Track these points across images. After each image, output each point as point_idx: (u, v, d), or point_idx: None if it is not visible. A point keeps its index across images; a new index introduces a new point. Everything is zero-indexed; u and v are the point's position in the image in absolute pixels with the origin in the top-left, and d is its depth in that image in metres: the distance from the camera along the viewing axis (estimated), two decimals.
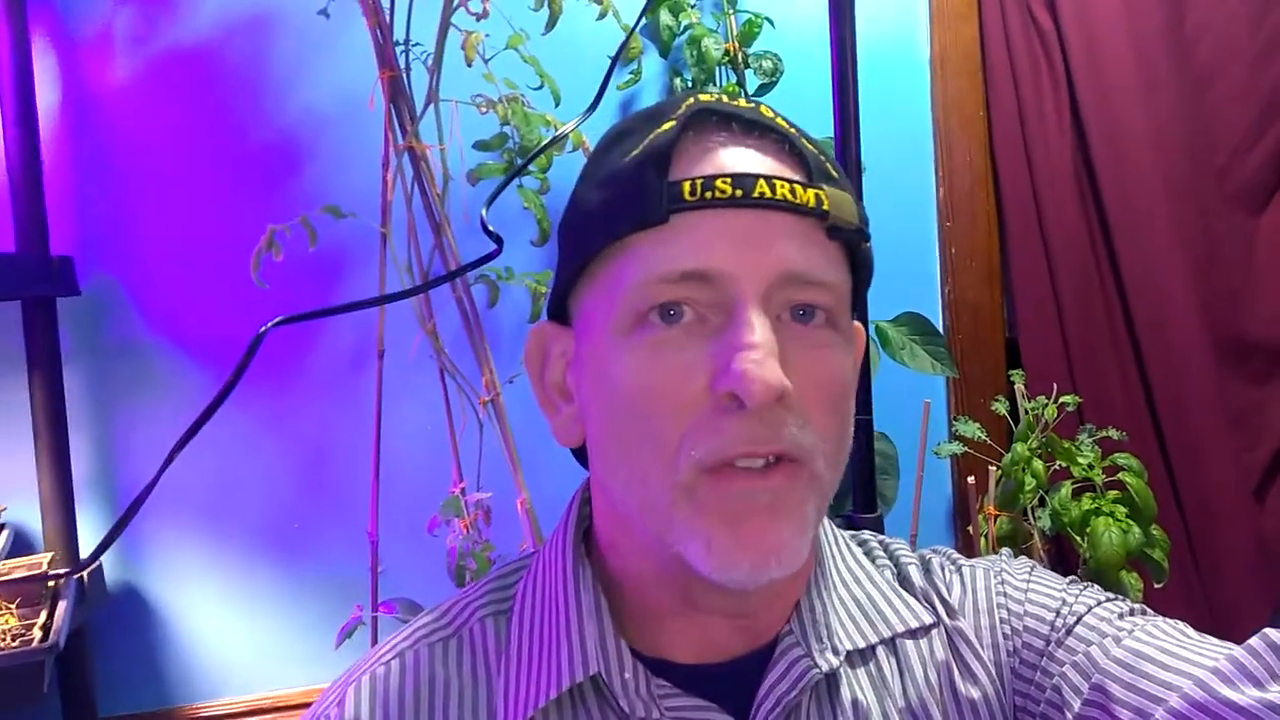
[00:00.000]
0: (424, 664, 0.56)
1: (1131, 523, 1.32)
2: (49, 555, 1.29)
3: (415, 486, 1.41)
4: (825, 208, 0.50)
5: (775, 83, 1.49)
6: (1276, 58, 1.65)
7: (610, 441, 0.52)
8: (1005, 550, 1.34)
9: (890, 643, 0.56)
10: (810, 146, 0.53)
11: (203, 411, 0.73)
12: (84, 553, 1.34)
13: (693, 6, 1.48)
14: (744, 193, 0.49)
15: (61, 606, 1.17)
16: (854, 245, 0.54)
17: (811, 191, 0.50)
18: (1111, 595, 0.57)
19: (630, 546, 0.55)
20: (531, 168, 1.29)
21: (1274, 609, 1.59)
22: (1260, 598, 1.61)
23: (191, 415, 0.73)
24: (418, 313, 1.26)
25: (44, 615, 1.16)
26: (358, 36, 1.27)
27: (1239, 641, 0.49)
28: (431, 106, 1.23)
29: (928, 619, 0.57)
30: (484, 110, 1.26)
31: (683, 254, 0.48)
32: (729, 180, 0.49)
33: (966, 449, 1.43)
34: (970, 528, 1.40)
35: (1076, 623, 0.54)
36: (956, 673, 0.56)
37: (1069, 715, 0.51)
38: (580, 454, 0.59)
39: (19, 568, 1.23)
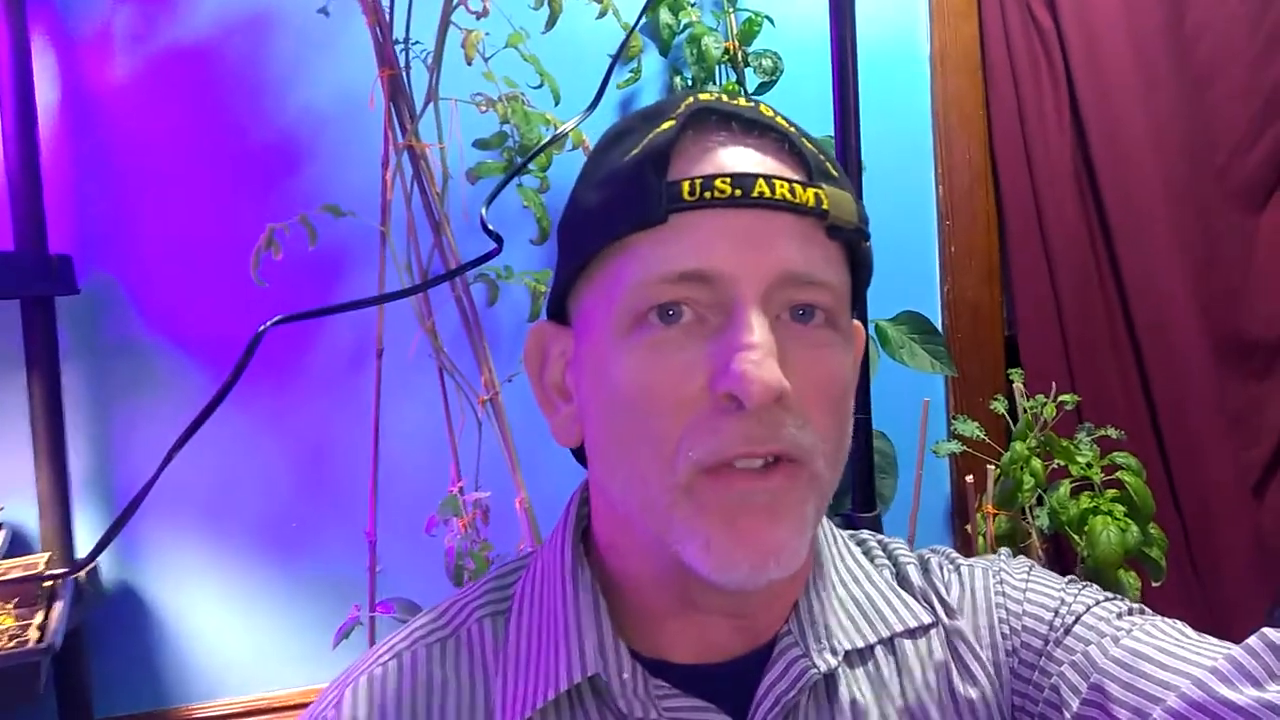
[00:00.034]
0: (422, 665, 0.56)
1: (1130, 521, 1.32)
2: (46, 555, 1.28)
3: (413, 486, 1.41)
4: (825, 207, 0.50)
5: (775, 81, 1.49)
6: (1276, 57, 1.65)
7: (609, 441, 0.52)
8: (1004, 549, 1.34)
9: (889, 642, 0.56)
10: (810, 145, 0.52)
11: (201, 411, 0.73)
12: (81, 552, 1.34)
13: (693, 5, 1.48)
14: (743, 192, 0.49)
15: (58, 607, 1.17)
16: (854, 244, 0.53)
17: (811, 191, 0.50)
18: (1110, 595, 0.57)
19: (629, 547, 0.55)
20: (531, 166, 1.29)
21: (1269, 608, 1.59)
22: (1258, 596, 1.61)
23: (190, 414, 0.73)
24: (417, 312, 1.26)
25: (41, 615, 1.15)
26: (357, 35, 1.27)
27: (1237, 640, 0.49)
28: (431, 105, 1.23)
29: (926, 619, 0.57)
30: (484, 109, 1.26)
31: (682, 254, 0.48)
32: (728, 180, 0.49)
33: (965, 448, 1.43)
34: (969, 526, 1.40)
35: (1075, 622, 0.54)
36: (955, 672, 0.56)
37: (1067, 715, 0.51)
38: (580, 453, 0.58)
39: (16, 568, 1.23)
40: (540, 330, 0.58)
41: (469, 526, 1.22)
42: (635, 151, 0.51)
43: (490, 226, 0.87)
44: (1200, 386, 1.62)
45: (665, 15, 1.47)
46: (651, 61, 1.54)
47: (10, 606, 1.17)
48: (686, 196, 0.49)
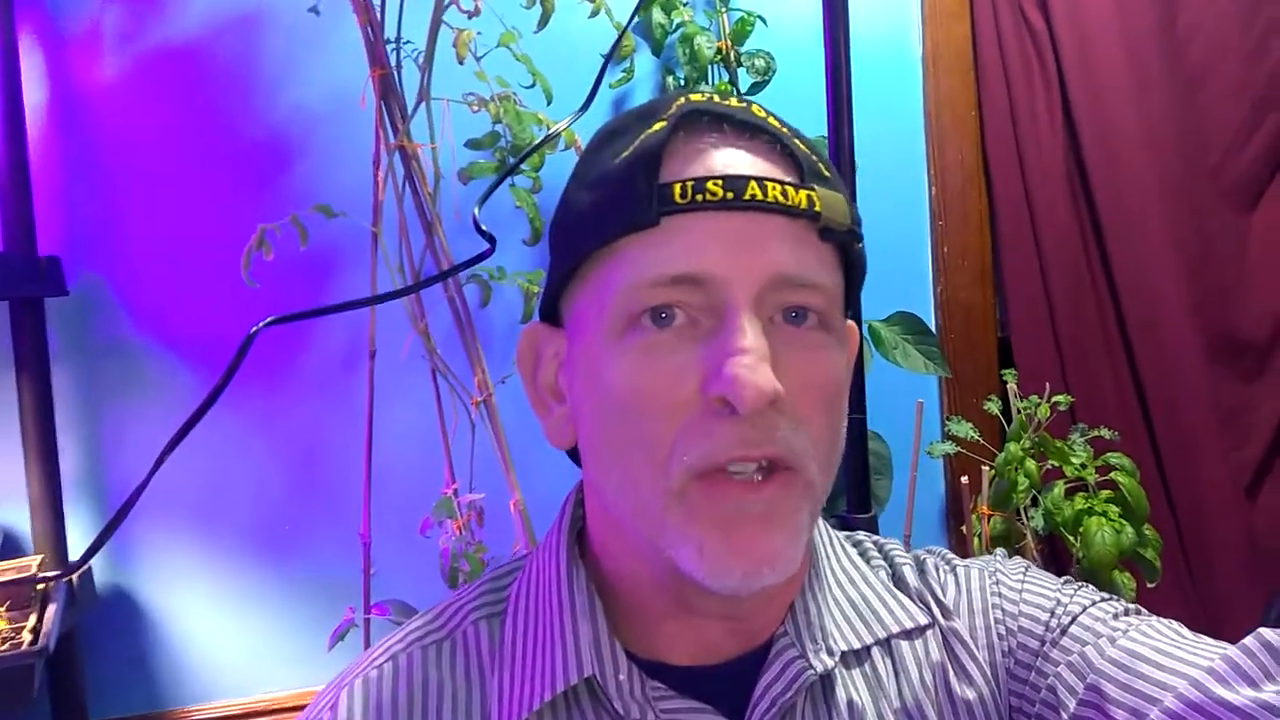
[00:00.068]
0: (417, 667, 0.55)
1: (1124, 522, 1.32)
2: (38, 558, 1.28)
3: (407, 487, 1.41)
4: (817, 209, 0.50)
5: (767, 81, 1.49)
6: (1268, 56, 1.66)
7: (602, 444, 0.52)
8: (999, 550, 1.34)
9: (885, 643, 0.56)
10: (802, 147, 0.52)
11: (193, 413, 0.73)
12: (74, 555, 1.33)
13: (685, 4, 1.48)
14: (735, 195, 0.48)
15: (51, 609, 1.16)
16: (846, 246, 0.53)
17: (803, 193, 0.50)
18: (1106, 595, 0.57)
19: (623, 549, 0.55)
20: (524, 166, 1.28)
21: (1264, 607, 1.60)
22: (1251, 595, 1.62)
23: (181, 416, 0.73)
24: (409, 313, 1.26)
25: (33, 618, 1.15)
26: (348, 34, 1.26)
27: (1232, 639, 0.49)
28: (423, 105, 1.23)
29: (923, 619, 0.57)
30: (476, 109, 1.25)
31: (674, 257, 0.48)
32: (720, 182, 0.48)
33: (959, 449, 1.43)
34: (964, 527, 1.40)
35: (1071, 623, 0.54)
36: (951, 673, 0.56)
37: (1064, 715, 0.51)
38: (574, 454, 0.58)
39: (8, 570, 1.22)
40: (533, 332, 0.58)
41: (463, 528, 1.21)
42: (627, 153, 0.51)
43: (483, 227, 0.86)
44: (1193, 386, 1.63)
45: (658, 15, 1.47)
46: (644, 61, 1.54)
47: (3, 610, 1.16)
48: (678, 199, 0.48)
